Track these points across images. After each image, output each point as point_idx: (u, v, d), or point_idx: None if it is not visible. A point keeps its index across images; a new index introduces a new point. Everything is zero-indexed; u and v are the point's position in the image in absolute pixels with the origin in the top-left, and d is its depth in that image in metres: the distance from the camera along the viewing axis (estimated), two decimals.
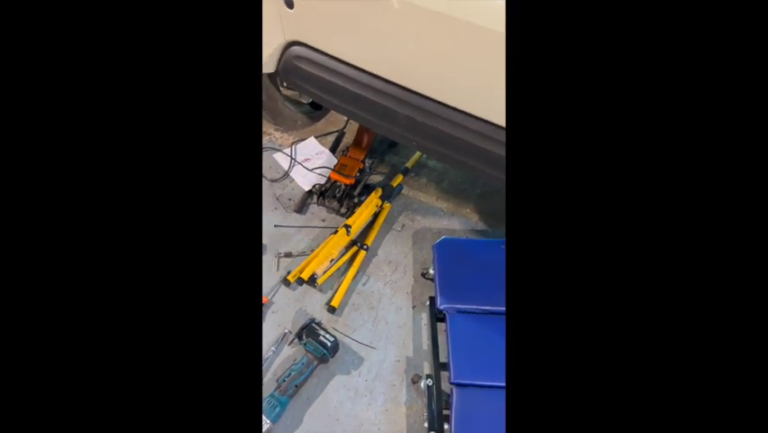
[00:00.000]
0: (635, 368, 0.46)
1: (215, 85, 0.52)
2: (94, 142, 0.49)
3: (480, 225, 1.67)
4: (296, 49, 1.22)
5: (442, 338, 1.29)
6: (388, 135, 1.28)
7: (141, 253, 0.49)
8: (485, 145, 1.05)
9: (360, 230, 1.58)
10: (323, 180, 1.72)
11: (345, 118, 1.93)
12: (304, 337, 1.29)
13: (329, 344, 1.27)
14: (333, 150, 1.86)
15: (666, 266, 0.46)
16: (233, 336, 0.51)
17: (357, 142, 1.80)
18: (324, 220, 1.66)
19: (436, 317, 1.33)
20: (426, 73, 1.06)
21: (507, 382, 0.50)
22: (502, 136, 1.01)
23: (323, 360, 1.27)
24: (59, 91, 0.48)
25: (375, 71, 1.12)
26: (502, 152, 1.01)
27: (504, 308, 1.27)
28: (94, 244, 0.48)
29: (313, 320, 1.35)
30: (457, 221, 1.68)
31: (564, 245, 0.49)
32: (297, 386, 1.21)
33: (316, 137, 1.91)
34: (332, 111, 2.03)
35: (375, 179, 1.78)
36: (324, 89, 1.23)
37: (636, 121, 0.47)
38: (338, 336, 1.33)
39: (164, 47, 0.50)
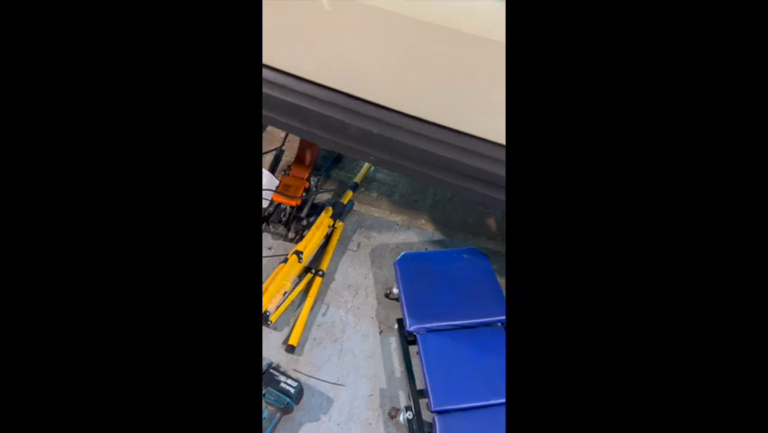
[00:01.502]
0: (638, 386, 0.44)
1: (216, 90, 0.50)
2: (80, 145, 0.47)
3: (438, 236, 1.62)
4: None
5: (416, 362, 1.19)
6: (338, 150, 1.17)
7: (140, 256, 0.47)
8: (443, 153, 0.98)
9: (312, 255, 1.45)
10: (265, 204, 1.56)
11: (283, 135, 1.80)
12: (262, 387, 1.13)
13: (292, 390, 1.12)
14: (272, 170, 1.70)
15: (667, 273, 0.45)
16: (234, 347, 0.49)
17: (299, 160, 1.67)
18: (270, 248, 1.51)
19: (407, 340, 1.24)
20: (372, 79, 0.97)
21: (508, 400, 0.49)
22: (460, 141, 0.96)
23: (287, 410, 1.11)
24: (55, 88, 0.46)
25: (315, 79, 1.01)
26: (466, 159, 0.95)
27: (477, 321, 1.23)
28: (76, 248, 0.46)
29: (270, 365, 1.18)
30: (414, 234, 1.61)
31: (566, 257, 0.47)
32: None
33: None
34: (266, 128, 1.88)
35: (323, 197, 1.67)
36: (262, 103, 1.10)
37: (639, 128, 0.46)
38: (301, 378, 1.18)
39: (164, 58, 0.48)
